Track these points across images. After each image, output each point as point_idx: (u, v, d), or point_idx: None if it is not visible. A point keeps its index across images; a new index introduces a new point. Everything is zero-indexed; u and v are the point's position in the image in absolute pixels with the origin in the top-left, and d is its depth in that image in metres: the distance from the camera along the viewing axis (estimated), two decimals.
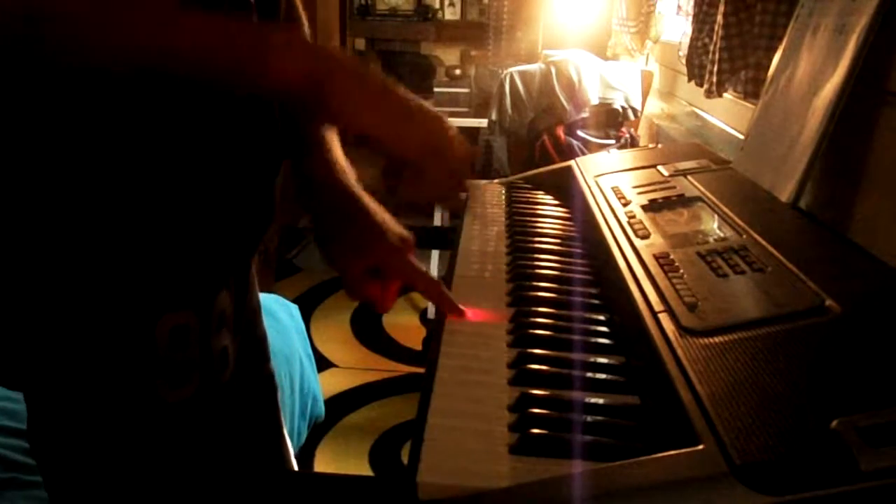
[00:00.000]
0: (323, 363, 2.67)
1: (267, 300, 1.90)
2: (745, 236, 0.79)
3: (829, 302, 0.62)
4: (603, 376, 0.67)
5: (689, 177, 1.03)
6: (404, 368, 2.71)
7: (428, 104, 0.66)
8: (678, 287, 0.71)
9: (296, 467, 1.00)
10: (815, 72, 0.91)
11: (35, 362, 0.69)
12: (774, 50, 1.07)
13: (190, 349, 0.70)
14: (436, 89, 3.49)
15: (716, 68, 1.46)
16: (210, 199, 0.70)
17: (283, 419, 0.97)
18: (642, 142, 2.55)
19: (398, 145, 0.65)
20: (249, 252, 0.81)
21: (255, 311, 0.92)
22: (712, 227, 0.85)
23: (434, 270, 3.04)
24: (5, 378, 0.71)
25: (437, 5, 4.27)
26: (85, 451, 0.71)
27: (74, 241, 0.66)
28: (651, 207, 0.94)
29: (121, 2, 0.57)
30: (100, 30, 0.56)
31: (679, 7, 2.32)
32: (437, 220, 3.46)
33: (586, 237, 0.99)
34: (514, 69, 2.71)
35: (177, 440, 0.72)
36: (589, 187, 1.08)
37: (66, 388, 0.69)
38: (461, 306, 0.77)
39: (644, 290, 0.72)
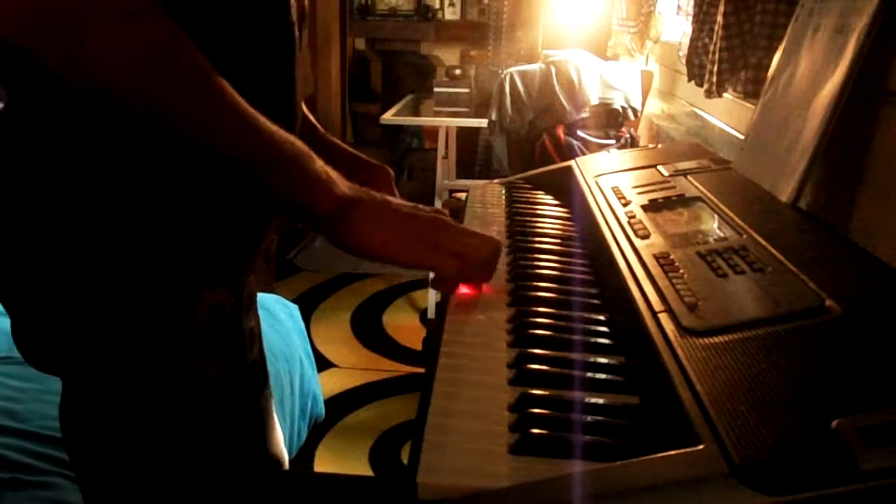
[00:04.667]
0: (323, 363, 2.67)
1: (267, 300, 1.90)
2: (745, 236, 0.79)
3: (829, 302, 0.62)
4: (603, 376, 0.67)
5: (689, 177, 1.03)
6: (404, 368, 2.71)
7: (447, 220, 0.74)
8: (678, 287, 0.71)
9: (286, 463, 1.00)
10: (815, 72, 0.91)
11: (80, 343, 0.72)
12: (774, 50, 1.07)
13: (225, 327, 0.75)
14: (436, 89, 3.49)
15: (716, 68, 1.46)
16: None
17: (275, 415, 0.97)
18: (642, 142, 2.55)
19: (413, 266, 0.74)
20: (268, 225, 0.84)
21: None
22: (712, 227, 0.85)
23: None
24: (44, 362, 0.75)
25: (437, 5, 4.27)
26: (121, 429, 0.74)
27: (120, 220, 0.69)
28: (651, 207, 0.94)
29: (204, 97, 0.63)
30: (200, 128, 0.63)
31: (679, 7, 2.32)
32: None
33: (586, 237, 0.99)
34: (514, 69, 2.71)
35: (209, 417, 0.75)
36: (589, 187, 1.08)
37: (108, 366, 0.72)
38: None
39: (644, 290, 0.72)
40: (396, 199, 0.74)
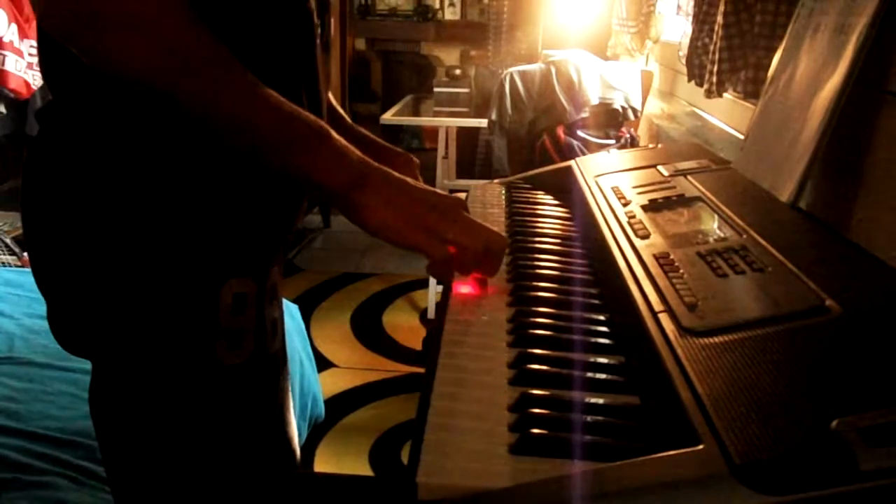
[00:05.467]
0: (323, 363, 2.67)
1: None
2: (745, 236, 0.79)
3: (829, 302, 0.62)
4: (603, 376, 0.67)
5: (689, 177, 1.03)
6: (404, 368, 2.71)
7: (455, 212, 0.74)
8: (678, 287, 0.71)
9: (298, 452, 1.00)
10: (815, 72, 0.91)
11: (109, 326, 0.74)
12: (774, 50, 1.07)
13: (248, 316, 0.76)
14: (436, 89, 3.49)
15: (716, 68, 1.46)
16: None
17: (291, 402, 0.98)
18: (642, 142, 2.56)
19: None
20: (296, 216, 0.86)
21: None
22: (712, 227, 0.85)
23: None
24: (75, 345, 0.78)
25: (437, 5, 4.28)
26: (145, 411, 0.76)
27: (153, 209, 0.72)
28: (651, 207, 0.94)
29: (221, 83, 0.67)
30: (204, 105, 0.67)
31: (679, 7, 2.32)
32: None
33: (586, 237, 0.99)
34: (514, 69, 2.72)
35: (230, 404, 0.77)
36: (589, 187, 1.08)
37: (135, 349, 0.74)
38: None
39: (644, 290, 0.72)
40: (412, 181, 0.75)
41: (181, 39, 0.65)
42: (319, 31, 0.83)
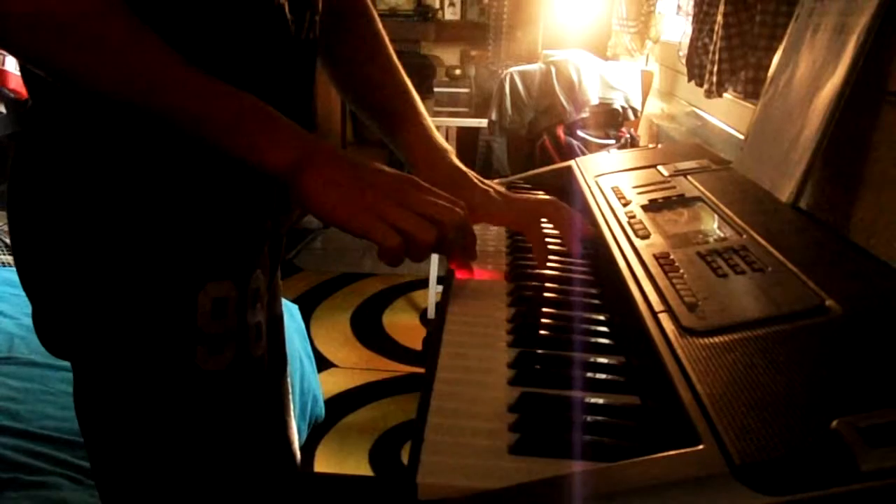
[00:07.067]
0: (323, 363, 2.67)
1: None
2: (745, 236, 0.79)
3: (829, 302, 0.62)
4: (603, 376, 0.67)
5: (689, 177, 1.03)
6: (404, 368, 2.71)
7: (406, 184, 0.71)
8: (678, 287, 0.71)
9: (298, 454, 1.00)
10: (815, 72, 0.91)
11: (89, 329, 0.73)
12: (774, 50, 1.07)
13: (228, 320, 0.75)
14: (436, 89, 3.49)
15: (716, 68, 1.46)
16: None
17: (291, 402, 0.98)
18: (642, 142, 2.55)
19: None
20: (266, 219, 0.84)
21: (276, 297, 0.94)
22: (712, 227, 0.85)
23: (434, 270, 3.04)
24: (57, 347, 0.77)
25: (437, 5, 4.28)
26: (126, 414, 0.75)
27: (129, 212, 0.71)
28: (651, 207, 0.94)
29: (133, 58, 0.64)
30: (109, 77, 0.64)
31: (679, 7, 2.32)
32: None
33: (586, 237, 0.99)
34: (514, 69, 2.72)
35: (213, 409, 0.76)
36: (589, 187, 1.08)
37: (114, 353, 0.73)
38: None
39: (644, 290, 0.72)
40: (367, 161, 0.72)
41: (101, 32, 0.63)
42: (296, 26, 0.79)
